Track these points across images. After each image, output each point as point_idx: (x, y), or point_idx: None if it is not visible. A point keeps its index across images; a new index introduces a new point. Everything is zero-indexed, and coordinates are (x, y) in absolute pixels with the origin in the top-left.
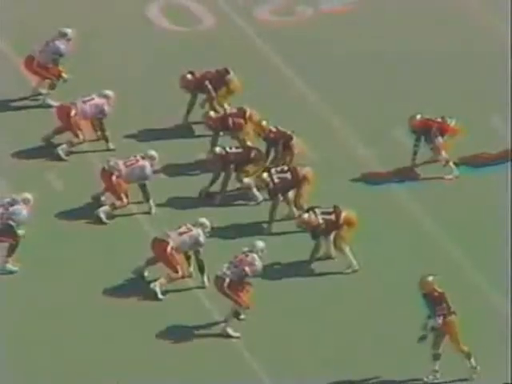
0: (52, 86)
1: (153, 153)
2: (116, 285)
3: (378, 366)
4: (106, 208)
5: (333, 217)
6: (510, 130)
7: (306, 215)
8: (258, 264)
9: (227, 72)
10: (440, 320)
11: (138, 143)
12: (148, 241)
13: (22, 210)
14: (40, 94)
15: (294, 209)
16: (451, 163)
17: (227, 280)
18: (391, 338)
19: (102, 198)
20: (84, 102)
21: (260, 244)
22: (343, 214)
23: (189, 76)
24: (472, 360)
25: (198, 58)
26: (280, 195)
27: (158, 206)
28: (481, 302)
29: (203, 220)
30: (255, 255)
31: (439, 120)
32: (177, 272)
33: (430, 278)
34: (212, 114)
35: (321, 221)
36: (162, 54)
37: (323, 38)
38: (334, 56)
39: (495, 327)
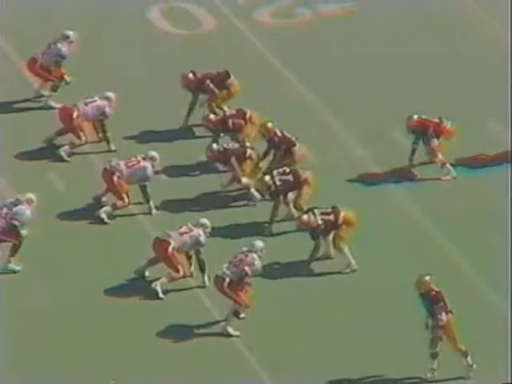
0: (54, 88)
1: (154, 153)
2: (117, 284)
3: (377, 364)
4: (107, 208)
5: (332, 217)
6: (509, 133)
7: (305, 216)
8: (258, 264)
9: (228, 75)
10: (443, 316)
11: (139, 145)
12: (149, 241)
13: (26, 210)
14: (42, 96)
15: (293, 210)
16: (448, 165)
17: (227, 280)
18: (390, 337)
19: (103, 199)
20: (86, 103)
21: (259, 244)
22: (342, 214)
23: (190, 75)
24: (469, 358)
25: (198, 61)
26: (281, 196)
27: (158, 206)
28: (480, 302)
29: (204, 220)
30: (255, 255)
31: (436, 121)
32: (178, 272)
33: (427, 278)
34: (212, 116)
35: (320, 222)
36: (162, 57)
37: (322, 40)
38: (333, 58)
39: (494, 327)
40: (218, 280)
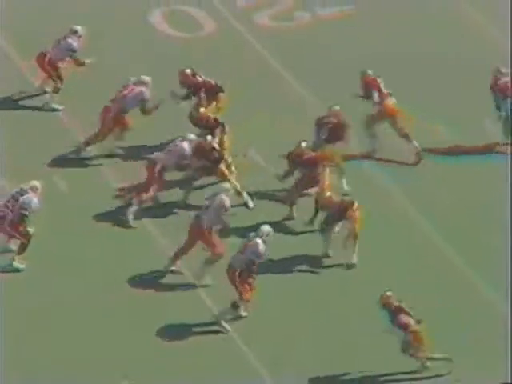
0: (56, 90)
1: (192, 136)
2: (118, 284)
3: (377, 361)
4: (134, 208)
5: (348, 200)
6: (509, 129)
7: (328, 193)
8: (262, 248)
9: (222, 90)
10: (397, 330)
11: (140, 148)
12: (151, 241)
13: (33, 198)
14: (46, 92)
15: (295, 212)
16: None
17: (238, 270)
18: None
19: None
20: (123, 95)
21: (265, 228)
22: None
23: (188, 71)
24: (436, 355)
25: (199, 63)
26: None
27: (163, 207)
28: (478, 302)
29: (225, 185)
30: (259, 240)
31: (384, 91)
32: (214, 249)
33: (389, 293)
34: (202, 110)
35: (341, 200)
36: (163, 59)
37: (321, 42)
38: (332, 60)
39: (493, 327)
40: (230, 269)
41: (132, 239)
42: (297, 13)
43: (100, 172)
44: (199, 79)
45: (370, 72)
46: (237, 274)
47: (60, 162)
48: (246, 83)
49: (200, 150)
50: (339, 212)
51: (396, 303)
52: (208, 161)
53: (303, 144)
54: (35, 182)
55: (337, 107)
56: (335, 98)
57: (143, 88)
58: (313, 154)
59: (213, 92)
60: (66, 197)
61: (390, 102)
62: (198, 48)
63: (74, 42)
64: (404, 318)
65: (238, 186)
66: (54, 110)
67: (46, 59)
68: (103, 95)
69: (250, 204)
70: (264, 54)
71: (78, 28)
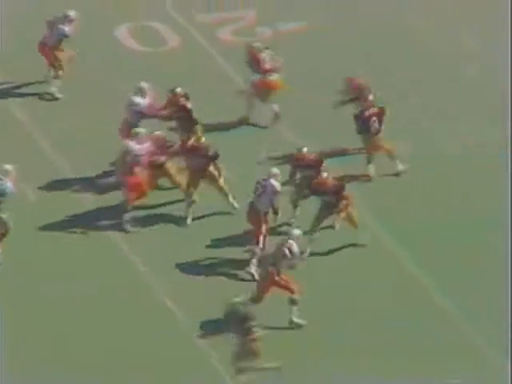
0: (56, 77)
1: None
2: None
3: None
4: (129, 215)
5: (342, 183)
6: (509, 131)
7: (325, 174)
8: (296, 249)
9: (196, 122)
10: (240, 337)
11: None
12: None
13: (7, 183)
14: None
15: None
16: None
17: (276, 271)
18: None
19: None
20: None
21: (296, 232)
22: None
23: (178, 90)
24: (267, 365)
25: (162, 77)
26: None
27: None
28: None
29: (275, 170)
30: (293, 242)
31: (268, 65)
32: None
33: (236, 299)
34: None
35: (335, 183)
36: (129, 74)
37: (282, 57)
38: (293, 74)
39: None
40: (274, 271)
41: (102, 248)
42: (258, 28)
43: (67, 179)
44: (187, 105)
45: (256, 44)
46: (275, 274)
47: (27, 170)
48: (208, 96)
49: (192, 150)
50: (334, 193)
51: (242, 310)
52: (204, 158)
53: (304, 149)
54: (8, 166)
55: (371, 97)
56: (297, 108)
57: (137, 97)
58: (313, 156)
59: (191, 123)
60: (33, 206)
61: (272, 76)
62: (162, 62)
63: (65, 27)
64: (247, 326)
65: (226, 188)
66: (55, 97)
67: (47, 48)
68: (69, 106)
69: (236, 205)
70: (226, 68)
71: (71, 13)
